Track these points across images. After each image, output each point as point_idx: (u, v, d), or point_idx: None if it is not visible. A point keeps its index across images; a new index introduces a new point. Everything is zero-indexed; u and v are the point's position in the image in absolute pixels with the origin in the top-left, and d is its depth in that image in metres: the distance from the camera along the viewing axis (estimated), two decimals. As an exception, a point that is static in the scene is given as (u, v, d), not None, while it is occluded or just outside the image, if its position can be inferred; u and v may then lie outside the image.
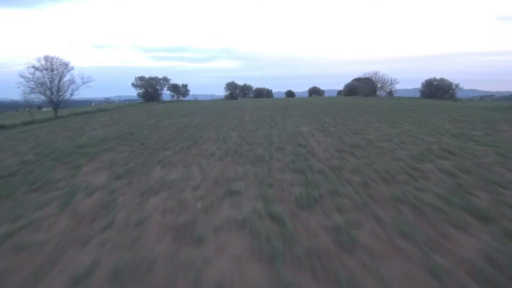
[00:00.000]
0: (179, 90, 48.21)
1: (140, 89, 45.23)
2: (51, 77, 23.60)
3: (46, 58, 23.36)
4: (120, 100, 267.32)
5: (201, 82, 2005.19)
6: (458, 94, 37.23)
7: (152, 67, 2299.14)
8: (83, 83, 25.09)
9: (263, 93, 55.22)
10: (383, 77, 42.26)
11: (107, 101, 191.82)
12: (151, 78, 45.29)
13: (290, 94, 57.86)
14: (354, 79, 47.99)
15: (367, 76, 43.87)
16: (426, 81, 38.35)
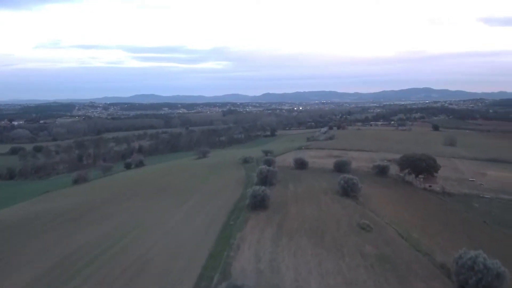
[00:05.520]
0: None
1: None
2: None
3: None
4: (106, 103, 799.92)
5: (191, 83, 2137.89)
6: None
7: (140, 68, 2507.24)
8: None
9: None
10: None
11: (92, 104, 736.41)
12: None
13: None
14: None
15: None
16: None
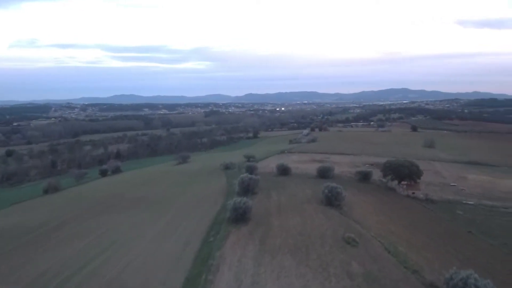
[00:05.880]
0: None
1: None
2: None
3: None
4: (84, 103, 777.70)
5: (172, 84, 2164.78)
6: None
7: (120, 68, 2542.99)
8: None
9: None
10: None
11: (69, 105, 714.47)
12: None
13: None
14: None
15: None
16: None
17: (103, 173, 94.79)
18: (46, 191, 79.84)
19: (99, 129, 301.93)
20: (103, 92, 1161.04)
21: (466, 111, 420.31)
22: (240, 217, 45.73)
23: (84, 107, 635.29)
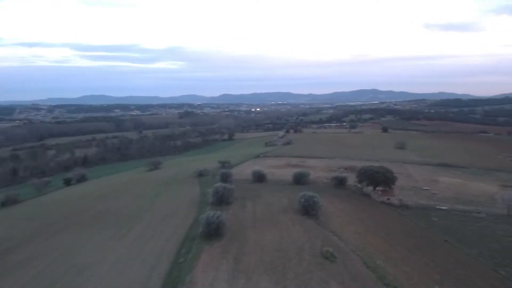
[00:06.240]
0: None
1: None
2: None
3: None
4: (51, 105, 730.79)
5: (145, 84, 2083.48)
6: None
7: (90, 67, 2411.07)
8: None
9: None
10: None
11: (35, 107, 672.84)
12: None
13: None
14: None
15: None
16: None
17: (67, 182, 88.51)
18: (3, 204, 73.26)
19: (67, 132, 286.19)
20: (71, 93, 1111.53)
21: (432, 111, 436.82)
22: (213, 232, 42.85)
23: (51, 109, 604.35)
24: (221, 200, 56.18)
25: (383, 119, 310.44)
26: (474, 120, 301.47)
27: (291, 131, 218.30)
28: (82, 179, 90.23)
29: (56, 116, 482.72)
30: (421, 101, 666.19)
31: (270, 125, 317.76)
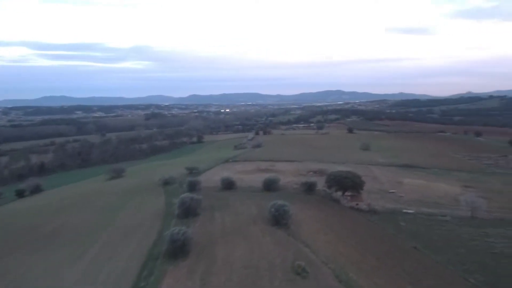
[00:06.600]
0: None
1: None
2: None
3: None
4: (6, 107, 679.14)
5: (109, 84, 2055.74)
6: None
7: (49, 67, 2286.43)
8: None
9: None
10: None
11: None
12: None
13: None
14: None
15: None
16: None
17: (20, 194, 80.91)
18: None
19: (24, 136, 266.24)
20: (29, 94, 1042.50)
21: (393, 111, 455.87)
22: (178, 250, 39.85)
23: (6, 111, 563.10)
24: (188, 212, 53.14)
25: (348, 119, 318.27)
26: (432, 120, 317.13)
27: (261, 132, 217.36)
28: (36, 190, 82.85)
29: (11, 119, 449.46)
30: (383, 101, 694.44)
31: (239, 126, 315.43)
